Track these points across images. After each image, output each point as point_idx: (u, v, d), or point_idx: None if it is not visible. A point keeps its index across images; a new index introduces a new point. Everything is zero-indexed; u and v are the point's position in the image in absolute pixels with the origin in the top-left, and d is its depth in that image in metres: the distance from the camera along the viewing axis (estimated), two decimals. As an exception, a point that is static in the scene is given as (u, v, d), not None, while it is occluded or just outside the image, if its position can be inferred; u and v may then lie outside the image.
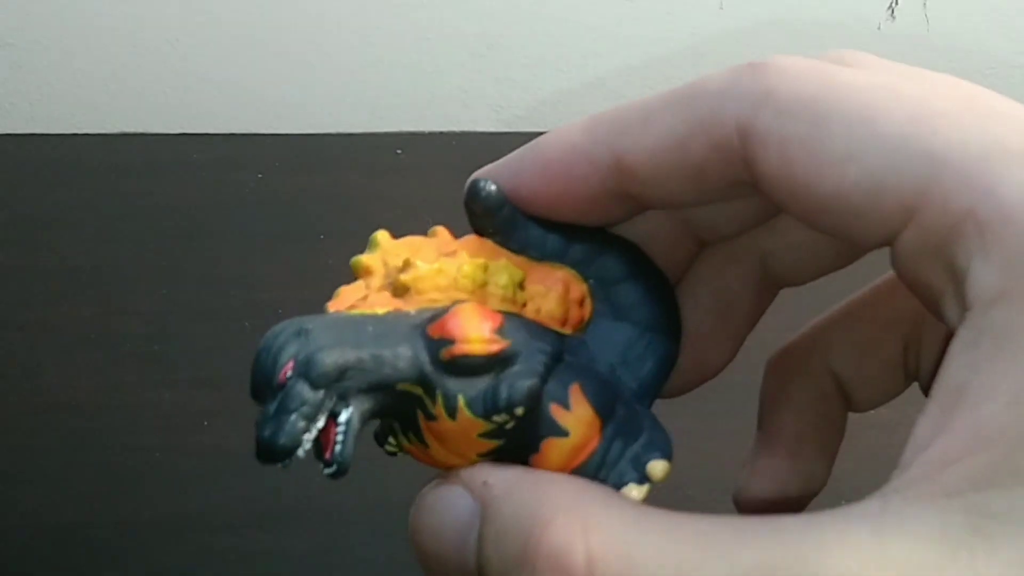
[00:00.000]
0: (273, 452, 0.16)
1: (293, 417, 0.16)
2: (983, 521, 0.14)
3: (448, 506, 0.18)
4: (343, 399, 0.17)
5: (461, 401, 0.18)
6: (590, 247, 0.20)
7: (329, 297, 0.19)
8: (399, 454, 0.20)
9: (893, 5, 0.61)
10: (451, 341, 0.18)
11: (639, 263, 0.21)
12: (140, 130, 0.61)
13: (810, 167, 0.17)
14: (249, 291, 0.48)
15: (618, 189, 0.19)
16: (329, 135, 0.60)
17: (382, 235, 0.20)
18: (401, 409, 0.18)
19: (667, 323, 0.21)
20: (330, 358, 0.17)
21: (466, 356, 0.18)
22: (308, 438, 0.17)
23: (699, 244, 0.22)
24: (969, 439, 0.14)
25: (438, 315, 0.18)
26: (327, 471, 0.17)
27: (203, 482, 0.40)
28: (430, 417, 0.18)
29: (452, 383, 0.18)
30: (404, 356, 0.18)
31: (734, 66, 0.18)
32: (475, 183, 0.20)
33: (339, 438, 0.17)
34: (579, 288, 0.20)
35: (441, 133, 0.60)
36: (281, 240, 0.52)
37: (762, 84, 0.17)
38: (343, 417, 0.17)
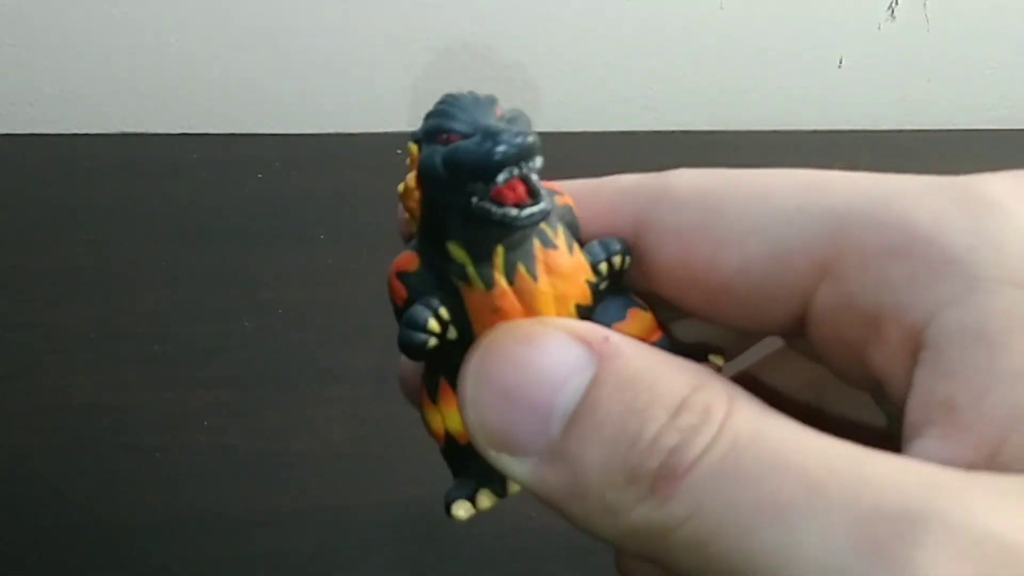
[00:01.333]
0: (514, 148, 0.16)
1: (523, 129, 0.16)
2: None
3: (556, 346, 0.17)
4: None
5: (576, 243, 0.19)
6: None
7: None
8: (437, 338, 0.18)
9: (893, 5, 0.61)
10: (560, 194, 0.19)
11: None
12: (140, 130, 0.61)
13: (710, 249, 0.17)
14: (249, 291, 0.48)
15: None
16: (329, 135, 0.60)
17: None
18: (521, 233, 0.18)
19: None
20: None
21: (571, 210, 0.19)
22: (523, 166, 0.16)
23: None
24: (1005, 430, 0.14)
25: None
26: (530, 209, 0.16)
27: (203, 482, 0.40)
28: (550, 244, 0.18)
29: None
30: None
31: (646, 173, 0.19)
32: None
33: (534, 180, 0.17)
34: None
35: (441, 133, 0.60)
36: (281, 240, 0.52)
37: (662, 184, 0.18)
38: (535, 172, 0.17)
